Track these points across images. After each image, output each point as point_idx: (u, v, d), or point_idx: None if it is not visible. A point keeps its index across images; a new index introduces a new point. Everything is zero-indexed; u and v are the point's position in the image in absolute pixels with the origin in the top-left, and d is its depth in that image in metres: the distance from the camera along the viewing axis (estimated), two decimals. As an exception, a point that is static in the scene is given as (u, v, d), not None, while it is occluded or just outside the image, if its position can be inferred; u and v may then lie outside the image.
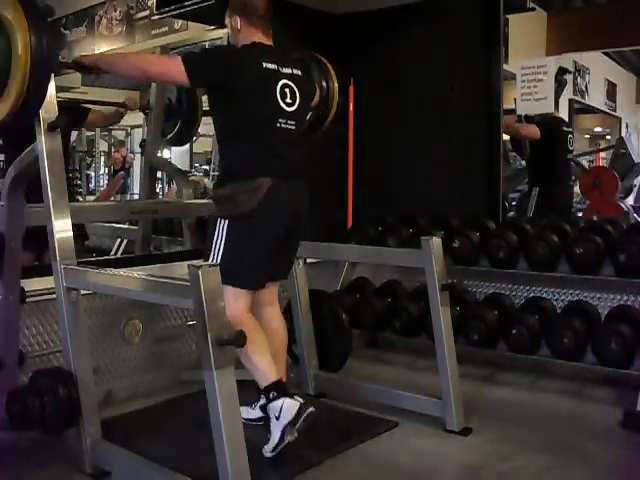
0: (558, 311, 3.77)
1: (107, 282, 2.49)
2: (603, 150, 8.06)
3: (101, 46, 6.05)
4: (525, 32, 5.33)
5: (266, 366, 2.61)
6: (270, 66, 2.63)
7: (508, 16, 4.44)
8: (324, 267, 4.34)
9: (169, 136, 4.38)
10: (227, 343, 2.00)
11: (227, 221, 2.60)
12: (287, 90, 2.66)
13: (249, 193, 2.56)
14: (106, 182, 9.61)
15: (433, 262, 2.90)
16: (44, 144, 2.48)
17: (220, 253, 2.60)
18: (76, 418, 2.45)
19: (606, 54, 7.01)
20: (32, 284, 2.92)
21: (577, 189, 5.98)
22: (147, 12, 5.47)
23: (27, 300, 2.89)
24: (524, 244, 3.77)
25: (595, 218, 4.86)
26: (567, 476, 2.55)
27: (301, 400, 2.58)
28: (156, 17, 4.56)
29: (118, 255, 4.80)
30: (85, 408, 2.45)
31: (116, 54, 2.78)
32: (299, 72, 2.74)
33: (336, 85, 3.39)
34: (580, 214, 5.83)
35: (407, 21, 4.50)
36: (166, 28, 5.27)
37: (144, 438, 2.76)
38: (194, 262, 2.15)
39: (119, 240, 5.00)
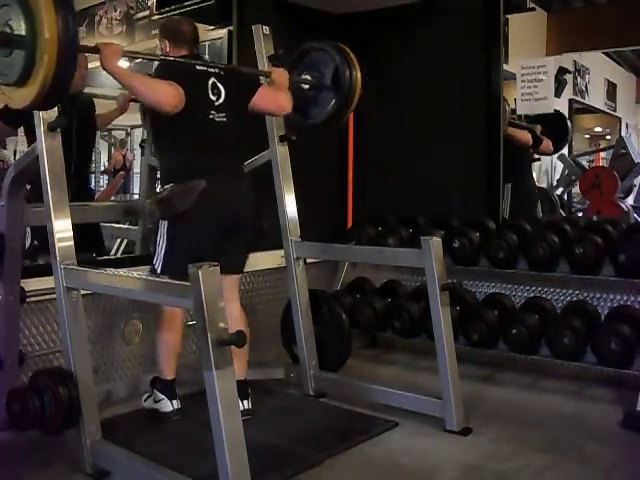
0: (558, 311, 3.77)
1: (107, 282, 2.49)
2: (603, 150, 8.05)
3: (101, 46, 6.05)
4: (525, 32, 5.32)
5: (166, 362, 2.99)
6: (200, 67, 2.92)
7: (508, 16, 4.44)
8: (324, 267, 4.34)
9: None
10: (227, 343, 2.00)
11: (167, 222, 2.84)
12: (215, 86, 2.91)
13: (183, 195, 2.78)
14: (106, 182, 9.59)
15: (433, 262, 2.90)
16: (44, 144, 2.48)
17: (163, 251, 2.84)
18: (76, 418, 2.45)
19: (606, 54, 7.00)
20: (32, 284, 2.93)
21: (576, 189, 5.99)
22: (147, 12, 5.47)
23: (27, 300, 2.89)
24: (524, 244, 3.77)
25: (595, 218, 4.86)
26: (567, 476, 2.55)
27: (176, 406, 2.99)
28: (156, 17, 4.57)
29: (118, 255, 4.80)
30: (85, 408, 2.45)
31: (143, 78, 2.79)
32: (222, 72, 3.00)
33: (359, 75, 3.37)
34: (580, 214, 5.83)
35: (407, 21, 4.50)
36: (166, 28, 5.26)
37: (144, 438, 2.77)
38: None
39: (119, 240, 5.00)
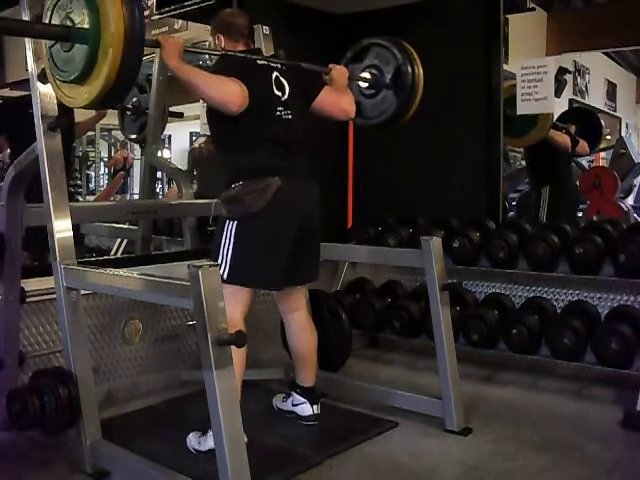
0: (558, 311, 3.77)
1: (107, 282, 2.49)
2: (603, 150, 8.04)
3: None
4: (525, 32, 5.32)
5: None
6: (262, 62, 2.76)
7: (508, 16, 4.44)
8: (324, 267, 4.33)
9: (137, 136, 4.44)
10: (227, 343, 2.00)
11: (235, 222, 2.64)
12: (278, 81, 2.75)
13: (256, 193, 2.60)
14: (106, 182, 9.60)
15: (433, 262, 2.90)
16: (44, 144, 2.48)
17: (229, 254, 2.62)
18: (76, 418, 2.45)
19: (606, 54, 6.99)
20: (32, 284, 2.93)
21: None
22: (147, 12, 5.46)
23: (27, 300, 2.89)
24: (524, 244, 3.77)
25: (595, 218, 4.85)
26: (567, 476, 2.55)
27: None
28: (156, 17, 4.56)
29: (118, 255, 4.80)
30: (85, 408, 2.45)
31: (204, 75, 2.57)
32: (283, 67, 2.83)
33: (421, 71, 3.23)
34: (580, 214, 5.82)
35: (407, 21, 4.50)
36: (166, 28, 5.26)
37: (144, 438, 2.77)
38: (194, 262, 2.16)
39: (119, 240, 4.99)
